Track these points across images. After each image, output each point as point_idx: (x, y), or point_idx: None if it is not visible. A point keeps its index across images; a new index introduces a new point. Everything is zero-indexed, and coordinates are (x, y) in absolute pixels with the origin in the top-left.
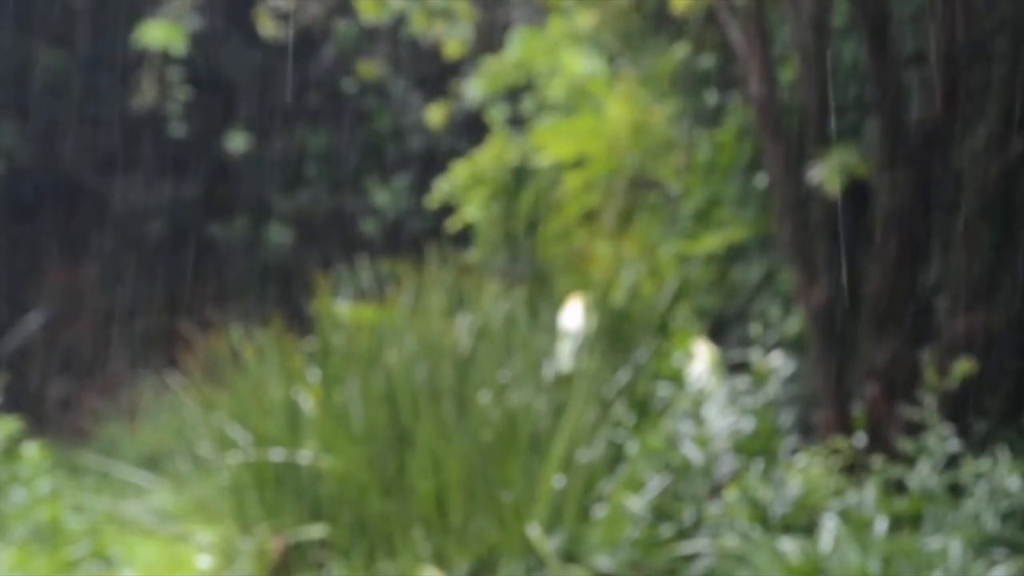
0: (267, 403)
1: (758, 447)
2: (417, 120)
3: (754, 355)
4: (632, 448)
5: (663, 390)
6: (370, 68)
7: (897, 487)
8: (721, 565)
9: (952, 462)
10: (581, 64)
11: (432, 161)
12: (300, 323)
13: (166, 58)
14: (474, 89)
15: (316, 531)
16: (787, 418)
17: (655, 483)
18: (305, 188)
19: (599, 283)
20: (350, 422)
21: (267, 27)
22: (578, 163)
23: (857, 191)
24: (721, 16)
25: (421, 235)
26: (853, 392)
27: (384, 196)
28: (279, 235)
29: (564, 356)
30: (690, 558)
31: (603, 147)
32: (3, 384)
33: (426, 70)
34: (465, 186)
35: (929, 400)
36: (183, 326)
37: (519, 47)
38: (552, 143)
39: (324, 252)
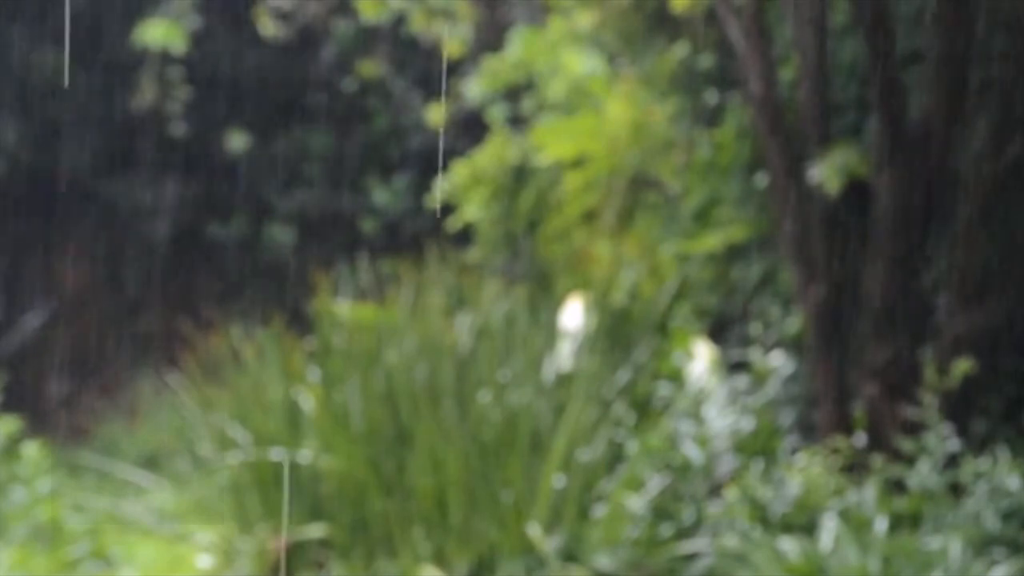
0: (267, 403)
1: (758, 447)
2: (417, 120)
3: (754, 355)
4: (632, 448)
5: (663, 390)
6: (370, 68)
7: (897, 487)
8: (721, 565)
9: (952, 462)
10: (581, 64)
11: (432, 161)
12: (300, 323)
13: (166, 58)
14: (474, 89)
15: (316, 531)
16: (787, 418)
17: (655, 483)
18: (305, 188)
19: (599, 283)
20: (350, 422)
21: (267, 27)
22: (578, 163)
23: (857, 191)
24: (721, 16)
25: (421, 235)
26: (853, 392)
27: (384, 196)
28: (279, 235)
29: (564, 356)
30: (690, 558)
31: (603, 147)
32: (3, 384)
33: (426, 70)
34: (465, 186)
35: (929, 400)
36: (183, 326)
37: (519, 47)
38: (552, 143)
39: (324, 252)
